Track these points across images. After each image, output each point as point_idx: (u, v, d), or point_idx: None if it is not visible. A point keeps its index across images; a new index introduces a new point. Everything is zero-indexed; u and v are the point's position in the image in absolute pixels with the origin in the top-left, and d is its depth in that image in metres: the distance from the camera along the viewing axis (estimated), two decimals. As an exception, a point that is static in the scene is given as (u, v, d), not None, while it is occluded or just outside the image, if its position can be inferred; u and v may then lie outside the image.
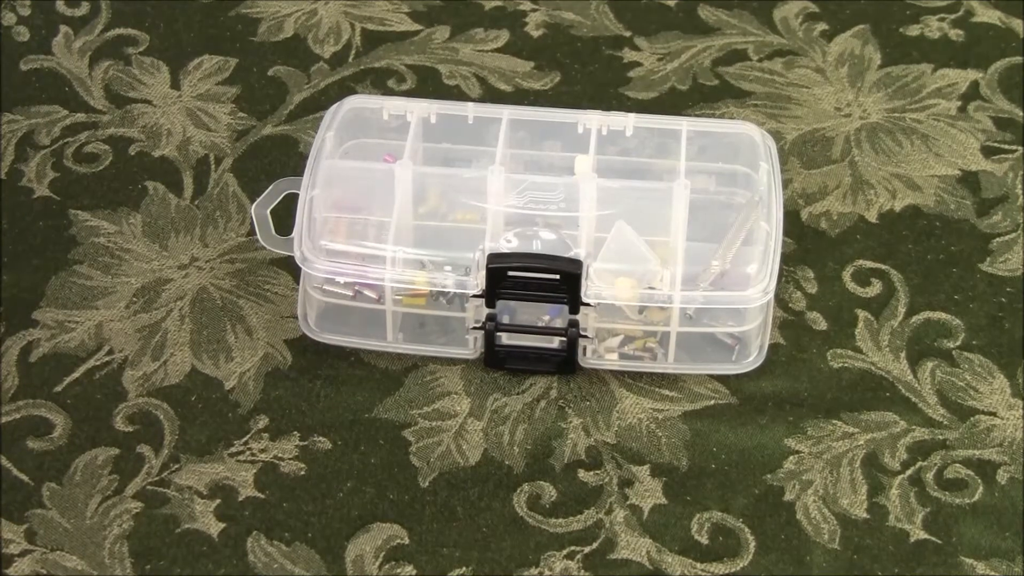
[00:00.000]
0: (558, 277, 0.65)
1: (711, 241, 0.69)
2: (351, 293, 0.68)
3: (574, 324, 0.66)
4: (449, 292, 0.67)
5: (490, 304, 0.66)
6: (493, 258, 0.66)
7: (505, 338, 0.68)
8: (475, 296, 0.66)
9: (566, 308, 0.66)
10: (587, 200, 0.67)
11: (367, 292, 0.68)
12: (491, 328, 0.67)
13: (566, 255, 0.67)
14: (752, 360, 0.68)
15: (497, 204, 0.68)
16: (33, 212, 0.75)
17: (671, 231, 0.67)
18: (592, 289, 0.66)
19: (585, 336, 0.67)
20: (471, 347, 0.68)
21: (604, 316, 0.67)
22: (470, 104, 0.72)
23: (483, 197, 0.68)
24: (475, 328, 0.67)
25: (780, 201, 0.68)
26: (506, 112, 0.71)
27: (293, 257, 0.67)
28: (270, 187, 0.69)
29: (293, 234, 0.67)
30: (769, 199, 0.68)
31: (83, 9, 0.86)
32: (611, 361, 0.68)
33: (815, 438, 0.66)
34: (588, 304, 0.66)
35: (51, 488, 0.64)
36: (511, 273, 0.66)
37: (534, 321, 0.68)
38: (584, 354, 0.68)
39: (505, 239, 0.68)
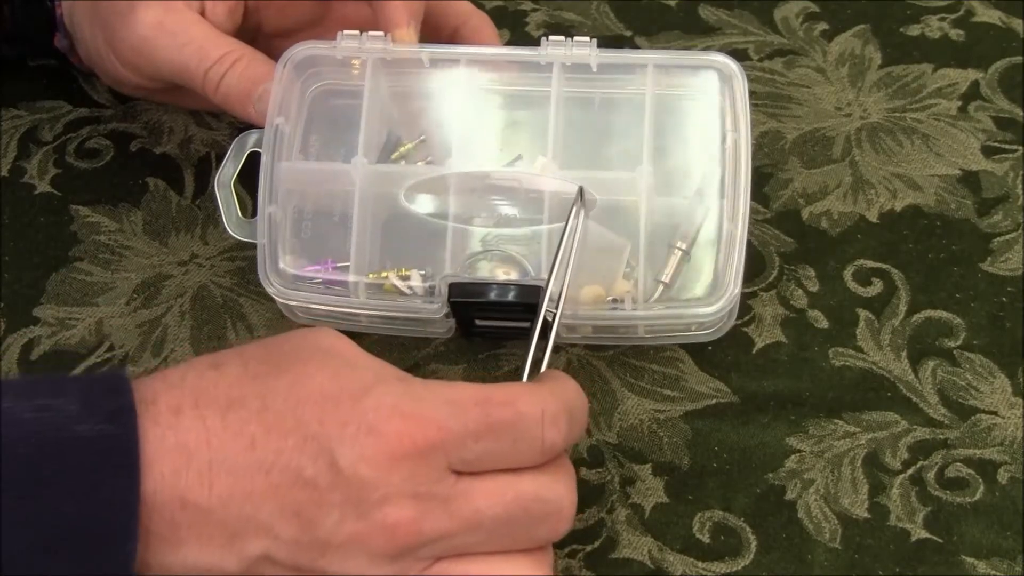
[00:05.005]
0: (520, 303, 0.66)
1: (680, 147, 0.69)
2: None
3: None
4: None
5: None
6: (456, 291, 0.66)
7: (479, 321, 0.68)
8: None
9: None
10: (548, 209, 0.67)
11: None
12: (465, 315, 0.67)
13: (525, 278, 0.67)
14: (718, 329, 0.68)
15: (456, 221, 0.68)
16: (35, 208, 0.75)
17: (637, 224, 0.67)
18: (553, 308, 0.65)
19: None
20: (445, 329, 0.68)
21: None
22: (425, 49, 0.71)
23: (444, 194, 0.68)
24: (447, 316, 0.67)
25: (747, 179, 0.67)
26: (464, 58, 0.70)
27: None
28: (231, 147, 0.68)
29: (257, 242, 0.67)
30: (736, 181, 0.67)
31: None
32: (585, 336, 0.69)
33: (816, 437, 0.66)
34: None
35: (52, 485, 0.64)
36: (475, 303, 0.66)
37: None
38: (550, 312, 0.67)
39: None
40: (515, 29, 0.86)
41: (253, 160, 0.69)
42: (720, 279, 0.66)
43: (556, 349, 0.69)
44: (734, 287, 0.66)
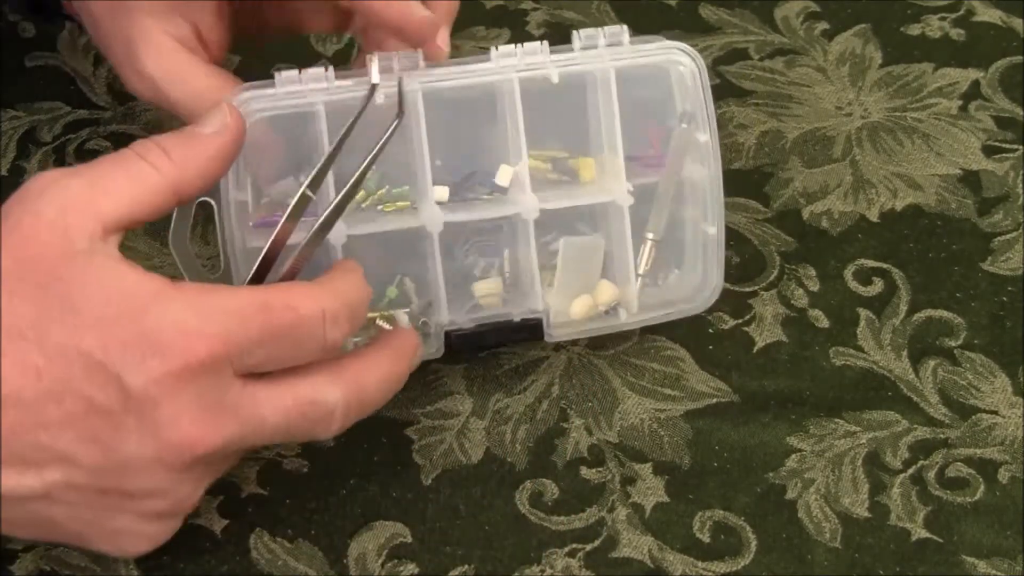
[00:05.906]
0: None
1: (643, 140, 0.68)
2: None
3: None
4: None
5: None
6: (458, 342, 0.66)
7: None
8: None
9: None
10: (530, 240, 0.66)
11: None
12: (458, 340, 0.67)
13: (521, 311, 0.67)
14: (704, 301, 0.69)
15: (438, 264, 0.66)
16: (35, 209, 0.75)
17: (620, 239, 0.67)
18: (554, 331, 0.67)
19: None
20: (434, 348, 0.67)
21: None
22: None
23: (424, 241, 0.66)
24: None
25: (718, 168, 0.67)
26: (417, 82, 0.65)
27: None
28: (175, 210, 0.60)
29: None
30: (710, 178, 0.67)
31: (84, 6, 0.85)
32: (577, 331, 0.68)
33: (817, 436, 0.66)
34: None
35: (53, 485, 0.64)
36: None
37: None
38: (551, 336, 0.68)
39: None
40: (515, 29, 0.86)
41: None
42: (706, 278, 0.68)
43: (556, 348, 0.69)
44: (717, 279, 0.67)
